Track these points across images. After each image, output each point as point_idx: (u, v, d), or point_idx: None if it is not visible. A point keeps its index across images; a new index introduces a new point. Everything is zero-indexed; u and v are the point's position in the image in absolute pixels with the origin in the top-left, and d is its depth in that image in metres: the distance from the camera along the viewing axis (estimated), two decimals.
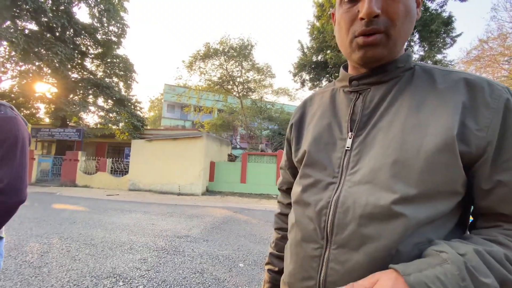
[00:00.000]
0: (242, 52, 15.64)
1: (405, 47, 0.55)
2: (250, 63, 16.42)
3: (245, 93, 17.36)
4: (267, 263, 0.77)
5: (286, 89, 18.98)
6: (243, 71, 16.63)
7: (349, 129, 0.54)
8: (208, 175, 11.16)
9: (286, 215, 0.75)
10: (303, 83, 13.13)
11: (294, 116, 0.70)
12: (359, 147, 0.51)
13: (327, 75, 12.16)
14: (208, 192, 10.88)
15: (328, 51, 11.15)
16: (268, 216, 6.33)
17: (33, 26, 12.30)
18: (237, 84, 16.88)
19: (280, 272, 0.71)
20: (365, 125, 0.52)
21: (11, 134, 1.05)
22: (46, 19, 11.54)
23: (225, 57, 15.63)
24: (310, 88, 12.98)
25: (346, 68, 0.63)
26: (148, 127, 16.39)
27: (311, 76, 12.56)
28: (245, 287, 2.60)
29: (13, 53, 11.79)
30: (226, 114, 18.34)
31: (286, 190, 0.77)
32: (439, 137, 0.43)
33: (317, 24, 11.65)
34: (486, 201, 0.45)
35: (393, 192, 0.44)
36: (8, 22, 11.29)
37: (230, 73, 16.42)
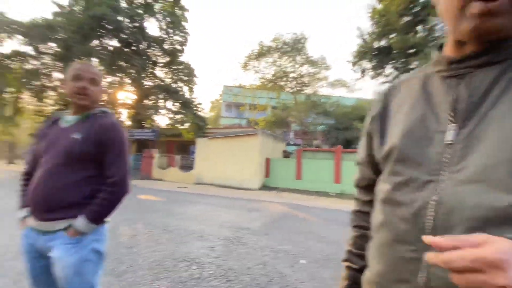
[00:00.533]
0: (295, 47, 15.43)
1: None
2: (304, 56, 16.06)
3: (298, 88, 17.08)
4: (346, 260, 0.74)
5: (343, 80, 17.91)
6: (297, 66, 16.39)
7: (450, 120, 0.46)
8: (264, 171, 11.44)
9: (365, 213, 0.71)
10: (363, 72, 12.19)
11: (374, 108, 0.64)
12: (466, 141, 0.44)
13: (392, 62, 11.00)
14: (264, 187, 11.16)
15: (393, 35, 10.07)
16: (327, 215, 6.14)
17: (114, 43, 14.52)
18: (290, 79, 16.74)
19: (360, 270, 0.67)
20: (472, 115, 0.44)
21: (119, 137, 1.25)
22: (124, 36, 13.50)
23: (278, 53, 15.66)
24: (372, 77, 11.96)
25: (441, 49, 0.53)
26: (209, 126, 17.66)
27: (373, 64, 11.55)
28: (307, 283, 2.60)
29: (101, 67, 14.20)
30: (280, 110, 18.38)
31: (366, 186, 0.71)
32: None
33: (379, 6, 10.62)
34: None
35: (510, 194, 0.38)
36: (96, 42, 13.60)
37: (283, 69, 16.38)
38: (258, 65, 16.74)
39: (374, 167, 0.65)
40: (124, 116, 17.34)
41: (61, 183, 1.15)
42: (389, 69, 11.52)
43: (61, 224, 1.13)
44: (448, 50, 0.51)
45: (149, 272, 2.67)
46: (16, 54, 12.74)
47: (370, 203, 0.69)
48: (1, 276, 2.54)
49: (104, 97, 15.32)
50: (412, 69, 9.53)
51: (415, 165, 0.49)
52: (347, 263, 0.73)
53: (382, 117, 0.60)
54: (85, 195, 1.17)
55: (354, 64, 12.05)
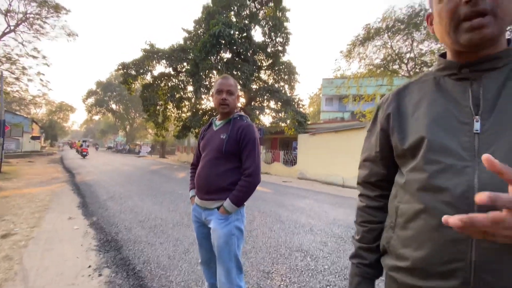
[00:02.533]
0: (412, 22, 12.99)
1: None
2: (424, 31, 13.28)
3: (418, 70, 14.32)
4: (354, 256, 0.77)
5: None
6: (415, 44, 13.77)
7: (473, 113, 0.54)
8: None
9: (374, 208, 0.75)
10: None
11: (387, 107, 0.70)
12: (490, 130, 0.52)
13: None
14: None
15: None
16: None
17: (227, 55, 16.69)
18: (406, 61, 14.26)
19: (371, 265, 0.73)
20: (492, 109, 0.53)
21: (253, 136, 1.54)
22: (235, 47, 15.30)
23: (389, 33, 13.65)
24: None
25: (443, 56, 0.64)
26: (309, 122, 17.61)
27: None
28: None
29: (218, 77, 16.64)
30: None
31: (374, 182, 0.76)
32: None
33: None
34: None
35: None
36: (215, 56, 16.02)
37: (397, 50, 14.13)
38: (364, 51, 15.16)
39: (386, 162, 0.72)
40: (247, 116, 19.78)
41: (215, 172, 1.52)
42: None
43: (216, 203, 1.51)
44: (452, 57, 0.61)
45: (268, 256, 2.98)
46: (162, 75, 16.85)
47: (379, 197, 0.75)
48: (164, 240, 3.48)
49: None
50: None
51: (450, 153, 0.54)
52: (356, 260, 0.76)
53: (399, 114, 0.66)
54: (231, 182, 1.51)
55: None
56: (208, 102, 17.73)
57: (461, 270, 0.51)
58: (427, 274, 0.56)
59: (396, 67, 14.60)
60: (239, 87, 16.58)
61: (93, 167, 13.88)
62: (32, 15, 18.48)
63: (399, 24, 13.22)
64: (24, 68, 19.46)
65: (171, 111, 17.97)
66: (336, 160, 10.77)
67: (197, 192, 1.61)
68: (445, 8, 0.55)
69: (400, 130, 0.65)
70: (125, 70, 15.77)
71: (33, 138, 29.77)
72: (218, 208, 1.50)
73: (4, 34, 17.86)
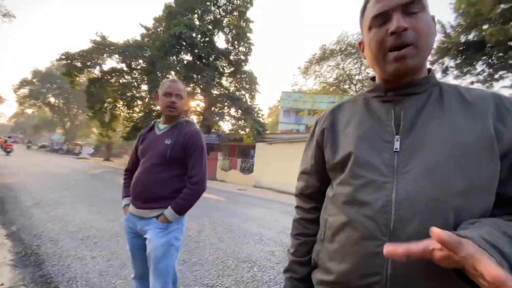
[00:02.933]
0: None
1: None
2: None
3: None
4: (288, 271, 0.77)
5: None
6: (362, 68, 15.33)
7: (394, 132, 0.59)
8: None
9: (308, 220, 0.77)
10: (445, 71, 10.57)
11: (323, 122, 0.74)
12: (408, 149, 0.56)
13: (484, 57, 9.25)
14: None
15: (485, 26, 8.48)
16: None
17: (188, 57, 16.28)
18: (355, 82, 15.76)
19: (302, 279, 0.74)
20: (410, 129, 0.57)
21: (200, 143, 1.48)
22: (197, 50, 15.02)
23: (341, 56, 14.96)
24: (457, 77, 10.28)
25: (373, 79, 0.69)
26: (268, 132, 18.06)
27: (457, 61, 9.93)
28: None
29: (177, 79, 16.04)
30: None
31: (309, 194, 0.78)
32: (481, 137, 0.52)
33: None
34: (505, 188, 0.53)
35: (450, 187, 0.50)
36: (174, 57, 15.47)
37: (347, 71, 15.54)
38: (320, 69, 16.33)
39: (320, 175, 0.74)
40: (195, 122, 19.23)
41: (156, 180, 1.40)
42: (480, 66, 9.71)
43: (154, 212, 1.39)
44: (380, 82, 0.66)
45: (214, 268, 2.87)
46: (114, 71, 15.56)
47: (313, 210, 0.77)
48: (97, 254, 3.10)
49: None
50: None
51: (373, 168, 0.58)
52: (288, 274, 0.77)
53: (332, 129, 0.71)
54: (173, 190, 1.41)
55: (433, 63, 10.57)
56: None
57: (378, 284, 0.53)
58: (347, 287, 0.58)
59: (346, 86, 16.01)
60: (198, 90, 16.23)
61: (19, 168, 11.91)
62: None
63: (351, 48, 14.62)
64: None
65: (121, 110, 16.60)
66: (291, 170, 11.15)
67: (132, 201, 1.47)
68: (373, 38, 0.59)
69: (332, 144, 0.69)
70: (69, 61, 14.12)
71: None
72: (157, 217, 1.39)
73: None
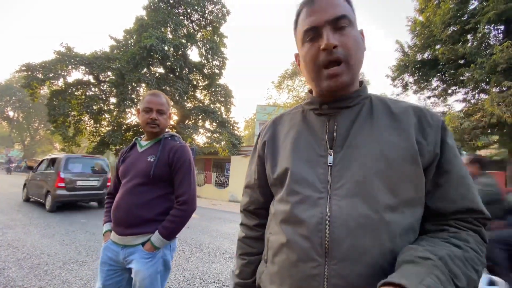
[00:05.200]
0: None
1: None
2: None
3: None
4: None
5: (383, 95, 17.03)
6: None
7: (328, 146, 0.57)
8: None
9: (253, 238, 0.73)
10: (405, 87, 11.44)
11: (265, 134, 0.71)
12: (340, 163, 0.55)
13: (438, 74, 10.16)
14: None
15: (438, 46, 9.38)
16: None
17: (161, 70, 15.98)
18: None
19: None
20: (342, 143, 0.56)
21: (187, 158, 1.35)
22: (169, 63, 14.81)
23: None
24: (415, 92, 11.15)
25: (311, 92, 0.68)
26: (244, 144, 18.02)
27: (415, 78, 10.81)
28: None
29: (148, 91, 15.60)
30: None
31: (253, 210, 0.74)
32: (406, 151, 0.52)
33: (421, 18, 10.08)
34: (430, 201, 0.53)
35: (380, 202, 0.49)
36: (145, 69, 15.10)
37: None
38: (292, 83, 16.89)
39: (263, 190, 0.70)
40: (179, 136, 18.66)
41: (140, 201, 1.26)
42: (436, 82, 10.63)
43: (140, 239, 1.25)
44: (317, 94, 0.64)
45: None
46: (79, 83, 14.76)
47: (257, 227, 0.73)
48: (46, 283, 2.76)
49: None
50: (464, 80, 8.68)
51: (308, 184, 0.56)
52: None
53: (273, 142, 0.68)
54: (159, 212, 1.28)
55: (394, 79, 11.40)
56: (133, 117, 16.26)
57: None
58: None
59: None
60: (171, 103, 15.88)
61: None
62: None
63: None
64: None
65: (86, 123, 15.65)
66: None
67: (114, 227, 1.30)
68: (307, 54, 0.58)
69: (272, 158, 0.66)
70: (29, 72, 13.16)
71: None
72: (143, 244, 1.24)
73: None
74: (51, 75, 13.43)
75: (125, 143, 15.35)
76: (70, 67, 13.85)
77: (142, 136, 1.48)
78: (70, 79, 14.40)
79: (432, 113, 0.57)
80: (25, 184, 8.55)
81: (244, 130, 39.07)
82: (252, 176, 0.73)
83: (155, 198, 1.29)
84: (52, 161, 7.52)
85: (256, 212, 0.73)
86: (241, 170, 12.27)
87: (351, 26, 0.57)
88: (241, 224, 0.77)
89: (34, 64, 13.37)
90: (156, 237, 1.24)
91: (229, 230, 5.65)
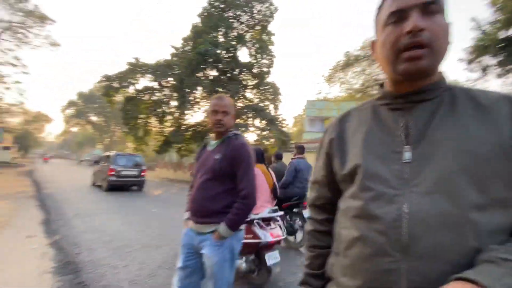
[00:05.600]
0: None
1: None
2: None
3: None
4: (303, 283, 0.76)
5: (456, 82, 14.82)
6: None
7: (405, 142, 0.55)
8: None
9: (321, 232, 0.75)
10: (484, 70, 9.75)
11: (331, 132, 0.71)
12: (418, 159, 0.53)
13: None
14: None
15: None
16: None
17: (214, 73, 16.92)
18: None
19: None
20: (421, 139, 0.54)
21: (245, 155, 1.48)
22: (221, 66, 15.61)
23: (367, 61, 14.56)
24: (499, 76, 9.40)
25: (382, 86, 0.66)
26: (292, 141, 17.88)
27: (499, 59, 9.11)
28: None
29: (204, 94, 16.74)
30: None
31: (321, 205, 0.76)
32: (496, 146, 0.49)
33: None
34: None
35: (465, 200, 0.47)
36: (201, 73, 16.19)
37: (375, 76, 15.02)
38: (345, 76, 16.02)
39: (331, 186, 0.71)
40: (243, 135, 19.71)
41: (208, 195, 1.45)
42: None
43: (210, 227, 1.44)
44: (389, 87, 0.62)
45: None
46: (146, 89, 16.70)
47: (325, 221, 0.74)
48: (128, 263, 3.25)
49: (204, 118, 17.86)
50: None
51: (382, 181, 0.55)
52: (303, 287, 0.75)
53: (341, 140, 0.68)
54: (225, 204, 1.44)
55: (470, 61, 9.81)
56: (191, 118, 17.63)
57: None
58: None
59: (374, 92, 15.46)
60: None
61: (64, 181, 13.10)
62: (16, 24, 18.07)
63: None
64: (1, 76, 18.69)
65: (153, 125, 17.63)
66: None
67: (191, 216, 1.54)
68: (388, 36, 0.57)
69: (340, 155, 0.66)
70: (107, 82, 15.48)
71: (5, 148, 28.08)
72: (212, 232, 1.43)
73: None
74: (124, 84, 15.50)
75: (185, 142, 16.77)
76: (138, 75, 15.75)
77: (210, 136, 1.65)
78: (139, 86, 16.39)
79: None
80: (93, 174, 12.03)
81: (292, 126, 38.67)
82: (319, 172, 0.75)
83: (221, 192, 1.45)
84: (107, 157, 10.91)
85: (324, 206, 0.75)
86: None
87: (441, 14, 0.54)
88: (309, 218, 0.80)
89: (111, 75, 15.61)
90: (222, 227, 1.39)
91: None
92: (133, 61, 15.65)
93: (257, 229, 2.59)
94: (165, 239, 4.28)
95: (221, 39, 15.88)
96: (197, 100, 17.36)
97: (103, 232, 4.51)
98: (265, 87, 17.63)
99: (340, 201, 0.67)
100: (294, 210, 4.11)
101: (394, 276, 0.49)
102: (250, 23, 16.84)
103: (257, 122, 17.28)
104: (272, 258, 2.60)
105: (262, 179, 2.95)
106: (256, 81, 17.56)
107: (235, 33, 16.61)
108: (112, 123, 43.79)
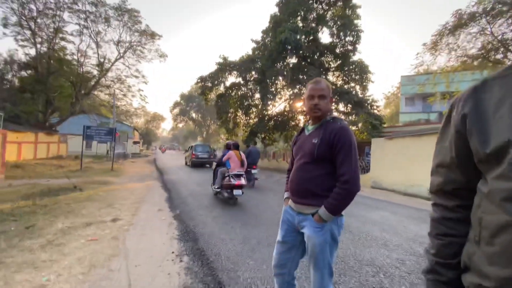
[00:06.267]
0: None
1: None
2: None
3: None
4: (431, 272, 0.71)
5: None
6: None
7: None
8: None
9: (453, 220, 0.69)
10: None
11: (463, 105, 0.63)
12: None
13: None
14: None
15: None
16: None
17: (294, 60, 16.75)
18: None
19: (449, 282, 0.67)
20: None
21: (348, 139, 1.46)
22: (301, 51, 15.26)
23: (487, 18, 11.16)
24: None
25: None
26: (385, 125, 15.87)
27: None
28: None
29: (284, 83, 16.86)
30: None
31: (451, 191, 0.69)
32: None
33: None
34: None
35: None
36: (281, 63, 16.30)
37: (499, 37, 11.43)
38: (455, 40, 12.82)
39: (464, 169, 0.64)
40: (301, 122, 19.57)
41: (307, 177, 1.51)
42: None
43: (311, 209, 1.50)
44: None
45: (335, 266, 2.85)
46: (233, 85, 18.18)
47: (457, 208, 0.68)
48: (234, 237, 3.71)
49: (287, 107, 18.04)
50: None
51: None
52: (432, 276, 0.71)
53: (478, 114, 0.60)
54: (325, 188, 1.47)
55: None
56: (273, 108, 18.12)
57: None
58: None
59: (500, 56, 11.80)
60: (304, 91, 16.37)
61: (176, 167, 16.01)
62: (135, 43, 22.83)
63: (500, 6, 10.66)
64: (129, 86, 24.13)
65: (240, 117, 19.15)
66: (418, 169, 9.38)
67: (290, 196, 1.63)
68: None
69: (480, 132, 0.59)
70: (202, 83, 17.72)
71: (135, 142, 36.50)
72: (313, 214, 1.46)
73: (116, 60, 22.65)
74: (215, 83, 17.36)
75: (268, 132, 17.48)
76: (226, 73, 17.31)
77: (309, 121, 1.68)
78: (227, 83, 18.05)
79: None
80: (185, 157, 19.46)
81: (384, 108, 34.26)
82: (448, 154, 0.68)
83: (319, 175, 1.47)
84: (191, 146, 17.77)
85: (455, 192, 0.68)
86: (384, 154, 10.97)
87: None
88: (435, 204, 0.74)
89: (204, 76, 17.71)
90: (322, 211, 1.41)
91: (377, 217, 5.30)
92: (221, 60, 17.24)
93: (231, 178, 5.88)
94: (261, 219, 4.70)
95: (300, 24, 15.47)
96: (278, 90, 17.67)
97: (211, 210, 5.34)
98: (350, 67, 16.22)
99: (481, 184, 0.60)
100: (249, 169, 8.43)
101: None
102: (331, 1, 15.67)
103: (341, 106, 16.20)
104: (237, 192, 5.83)
105: (234, 156, 6.21)
106: (339, 62, 16.38)
107: (314, 14, 15.85)
108: (208, 118, 50.27)
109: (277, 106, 18.61)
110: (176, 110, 53.78)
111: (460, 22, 11.93)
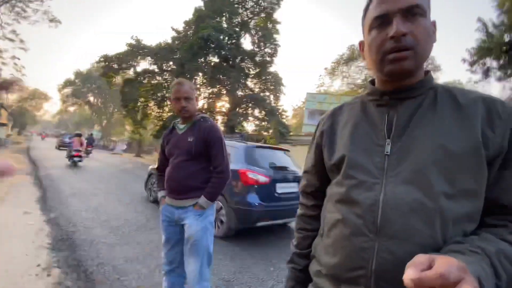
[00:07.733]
0: None
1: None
2: None
3: None
4: (290, 262, 0.83)
5: (457, 83, 14.82)
6: None
7: (386, 137, 0.61)
8: None
9: (310, 216, 0.81)
10: (486, 73, 9.76)
11: (323, 124, 0.77)
12: (398, 153, 0.58)
13: None
14: None
15: None
16: None
17: (215, 59, 16.69)
18: None
19: (303, 270, 0.79)
20: (401, 134, 0.59)
21: (218, 135, 1.63)
22: (224, 52, 15.38)
23: None
24: (500, 79, 9.43)
25: (372, 84, 0.70)
26: (291, 133, 17.90)
27: (501, 62, 9.11)
28: None
29: (204, 80, 16.55)
30: None
31: (311, 193, 0.82)
32: (469, 143, 0.53)
33: None
34: (492, 193, 0.54)
35: (435, 190, 0.52)
36: (202, 59, 15.95)
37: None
38: (347, 70, 15.90)
39: (320, 175, 0.77)
40: (220, 122, 19.65)
41: (187, 173, 1.60)
42: None
43: (191, 201, 1.60)
44: (378, 85, 0.67)
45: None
46: (146, 72, 16.47)
47: (313, 207, 0.81)
48: (125, 242, 3.32)
49: (205, 106, 17.73)
50: None
51: (364, 170, 0.61)
52: (291, 265, 0.83)
53: (331, 132, 0.73)
54: (202, 180, 1.61)
55: (473, 63, 9.80)
56: None
57: (364, 277, 0.56)
58: (338, 279, 0.62)
59: None
60: (224, 92, 16.57)
61: (60, 161, 13.08)
62: None
63: None
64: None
65: (152, 109, 17.51)
66: None
67: (168, 194, 1.67)
68: (373, 40, 0.61)
69: (330, 146, 0.72)
70: (107, 63, 15.22)
71: (0, 125, 27.77)
72: (193, 206, 1.58)
73: None
74: (123, 65, 15.25)
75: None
76: (139, 57, 15.49)
77: (178, 120, 1.75)
78: (138, 69, 16.14)
79: (504, 104, 0.56)
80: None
81: (292, 118, 38.57)
82: (310, 162, 0.81)
83: (197, 170, 1.61)
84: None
85: (313, 194, 0.82)
86: None
87: (423, 16, 0.56)
88: (300, 203, 0.87)
89: (110, 56, 15.32)
90: (202, 200, 1.57)
91: None
92: (133, 42, 15.34)
93: (73, 151, 10.92)
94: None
95: (225, 25, 15.58)
96: (198, 86, 17.16)
97: (101, 212, 4.58)
98: (267, 77, 17.48)
99: (328, 188, 0.73)
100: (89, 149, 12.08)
101: (368, 254, 0.56)
102: (255, 10, 16.51)
103: (256, 112, 17.23)
104: (76, 159, 10.93)
105: (76, 141, 11.19)
106: (258, 70, 17.39)
107: (239, 19, 16.29)
108: (110, 105, 43.24)
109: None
110: (68, 90, 43.81)
111: (352, 56, 14.87)
